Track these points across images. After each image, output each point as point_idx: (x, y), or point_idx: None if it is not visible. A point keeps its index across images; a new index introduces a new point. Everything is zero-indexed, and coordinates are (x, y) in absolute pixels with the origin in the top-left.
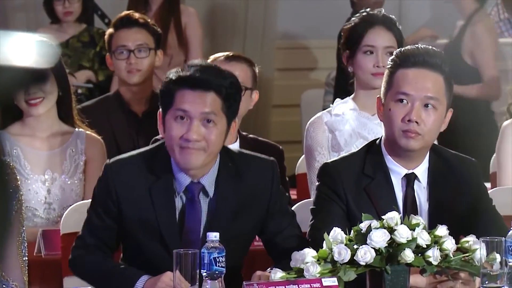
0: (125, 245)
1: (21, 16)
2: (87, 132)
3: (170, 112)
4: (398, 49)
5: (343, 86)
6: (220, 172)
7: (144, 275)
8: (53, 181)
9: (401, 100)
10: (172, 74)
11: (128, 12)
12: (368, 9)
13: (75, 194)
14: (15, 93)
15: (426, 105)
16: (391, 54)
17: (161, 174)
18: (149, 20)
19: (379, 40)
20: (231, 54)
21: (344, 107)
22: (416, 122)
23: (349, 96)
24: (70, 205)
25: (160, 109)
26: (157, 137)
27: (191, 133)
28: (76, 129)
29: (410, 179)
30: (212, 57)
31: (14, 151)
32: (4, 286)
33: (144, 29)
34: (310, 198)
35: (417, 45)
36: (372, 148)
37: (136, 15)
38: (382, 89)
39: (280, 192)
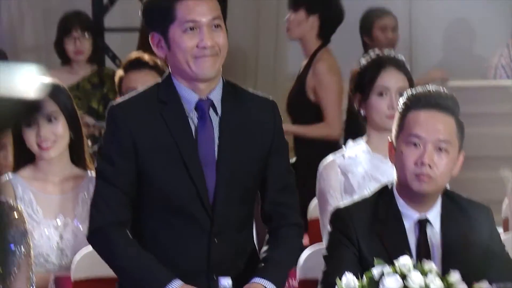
0: (141, 188)
1: (33, 57)
2: None
3: (174, 26)
4: (409, 92)
5: (353, 129)
6: (224, 92)
7: (176, 279)
8: (65, 226)
9: (414, 143)
10: None
11: (138, 54)
12: (377, 51)
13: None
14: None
15: (438, 148)
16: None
17: (168, 99)
18: (158, 62)
19: (392, 81)
20: None
21: (357, 149)
22: (429, 165)
23: (360, 138)
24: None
25: (152, 32)
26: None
27: (206, 40)
28: (89, 172)
29: (422, 223)
30: None
31: (26, 195)
32: None
33: (154, 71)
34: (322, 241)
35: (428, 87)
36: (384, 192)
37: (146, 57)
38: (393, 132)
39: (282, 132)
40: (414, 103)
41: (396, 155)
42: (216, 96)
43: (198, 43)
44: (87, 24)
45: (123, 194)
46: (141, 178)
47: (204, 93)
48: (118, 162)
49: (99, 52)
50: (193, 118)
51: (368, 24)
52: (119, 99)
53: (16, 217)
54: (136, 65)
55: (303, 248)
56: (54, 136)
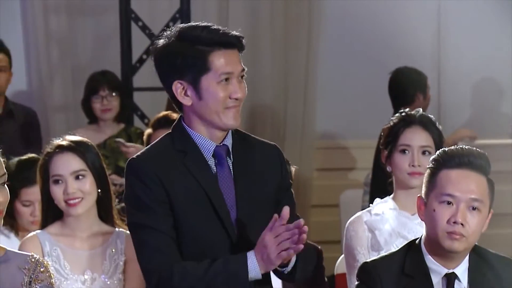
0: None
1: (61, 116)
2: (127, 232)
3: (209, 77)
4: (442, 149)
5: (380, 186)
6: (234, 138)
7: (247, 252)
8: (92, 281)
9: (447, 202)
10: (172, 38)
11: (166, 112)
12: (407, 109)
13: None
14: None
15: (471, 207)
16: (427, 153)
17: (186, 148)
18: None
19: (414, 140)
20: None
21: (383, 206)
22: (462, 224)
23: (387, 195)
24: None
25: (176, 80)
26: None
27: (239, 92)
28: (116, 229)
29: (450, 279)
30: None
31: (54, 251)
32: None
33: None
34: None
35: (461, 146)
36: (412, 247)
37: (174, 115)
38: (424, 188)
39: (288, 177)
40: (447, 162)
41: (427, 212)
42: (229, 142)
43: (231, 94)
44: (114, 83)
45: (170, 238)
46: (174, 224)
47: (219, 140)
48: (156, 209)
49: (127, 111)
50: (211, 164)
51: (424, 82)
52: (139, 154)
53: (42, 271)
54: (164, 123)
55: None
56: (81, 193)
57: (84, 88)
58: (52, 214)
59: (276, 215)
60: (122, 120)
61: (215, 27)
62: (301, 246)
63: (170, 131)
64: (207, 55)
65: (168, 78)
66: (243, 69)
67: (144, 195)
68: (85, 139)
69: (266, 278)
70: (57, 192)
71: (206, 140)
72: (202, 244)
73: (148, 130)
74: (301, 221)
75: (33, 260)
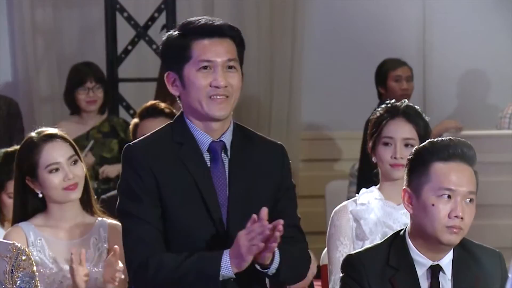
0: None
1: (47, 107)
2: (109, 220)
3: (189, 65)
4: (429, 140)
5: (366, 177)
6: (235, 135)
7: (223, 251)
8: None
9: (446, 196)
10: (175, 31)
11: (153, 102)
12: (392, 101)
13: (100, 283)
14: None
15: (468, 200)
16: (410, 146)
17: (183, 140)
18: (174, 110)
19: (397, 132)
20: None
21: (369, 196)
22: (461, 217)
23: (373, 185)
24: None
25: (168, 71)
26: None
27: (219, 80)
28: (98, 218)
29: (435, 270)
30: None
31: (39, 241)
32: None
33: (169, 118)
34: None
35: (448, 137)
36: (396, 239)
37: (162, 105)
38: (412, 180)
39: (289, 177)
40: (438, 153)
41: (420, 206)
42: (227, 138)
43: (211, 82)
44: (99, 75)
45: (155, 229)
46: (163, 215)
47: (216, 135)
48: (145, 199)
49: (110, 102)
50: (206, 159)
51: (383, 74)
52: (137, 140)
53: (24, 259)
54: (151, 112)
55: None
56: (78, 178)
57: (67, 80)
58: (31, 207)
59: (254, 216)
60: (104, 112)
61: (207, 18)
62: (275, 245)
63: (172, 121)
64: (190, 44)
65: (164, 70)
66: (230, 59)
67: (135, 183)
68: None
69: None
70: (55, 180)
71: (202, 134)
72: (189, 237)
73: (135, 120)
74: (280, 221)
75: (14, 248)
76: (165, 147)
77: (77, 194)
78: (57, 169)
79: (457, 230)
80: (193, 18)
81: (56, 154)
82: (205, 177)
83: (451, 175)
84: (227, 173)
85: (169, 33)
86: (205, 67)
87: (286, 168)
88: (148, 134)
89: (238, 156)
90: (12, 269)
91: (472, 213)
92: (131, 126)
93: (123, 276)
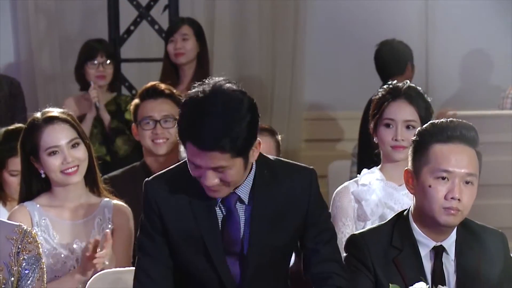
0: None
1: (49, 87)
2: (114, 201)
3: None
4: (430, 122)
5: (365, 158)
6: (256, 181)
7: None
8: (81, 250)
9: (442, 177)
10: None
11: (153, 82)
12: (395, 81)
13: (105, 265)
14: None
15: (466, 182)
16: (411, 127)
17: (200, 187)
18: (174, 91)
19: (398, 114)
20: None
21: (370, 177)
22: (458, 199)
23: (374, 166)
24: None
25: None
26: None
27: (207, 183)
28: (104, 198)
29: (438, 251)
30: None
31: (43, 221)
32: None
33: (169, 99)
34: None
35: (450, 119)
36: (400, 220)
37: (162, 85)
38: (413, 161)
39: (320, 203)
40: (437, 135)
41: (419, 187)
42: (244, 189)
43: (201, 179)
44: (110, 51)
45: (164, 266)
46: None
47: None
48: (155, 236)
49: (118, 81)
50: (221, 208)
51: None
52: (156, 174)
53: (30, 242)
54: (152, 93)
55: None
56: (78, 161)
57: (78, 55)
58: (36, 186)
59: None
60: (114, 90)
61: (201, 128)
62: None
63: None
64: (185, 142)
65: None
66: (217, 167)
67: (147, 220)
68: (66, 110)
69: None
70: (53, 163)
71: None
72: (194, 283)
73: (136, 100)
74: None
75: (20, 230)
76: (181, 190)
77: (76, 178)
78: (56, 152)
79: (454, 211)
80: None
81: (56, 137)
82: (213, 228)
83: (449, 156)
84: (242, 222)
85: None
86: (196, 166)
87: (314, 196)
88: (169, 169)
89: (258, 201)
90: (17, 251)
91: (472, 195)
92: (131, 107)
93: (107, 263)
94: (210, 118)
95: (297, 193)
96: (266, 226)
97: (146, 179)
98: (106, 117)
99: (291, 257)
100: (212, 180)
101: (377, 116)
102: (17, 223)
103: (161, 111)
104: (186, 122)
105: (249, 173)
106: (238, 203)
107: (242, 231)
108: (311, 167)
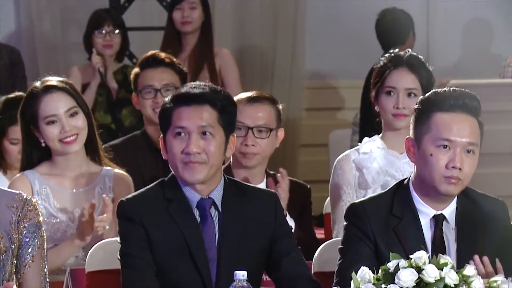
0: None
1: (50, 57)
2: (115, 170)
3: (169, 132)
4: (433, 91)
5: (367, 126)
6: (226, 191)
7: None
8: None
9: (443, 146)
10: (168, 98)
11: (154, 51)
12: (396, 50)
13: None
14: None
15: (467, 151)
16: (413, 95)
17: (173, 197)
18: (174, 60)
19: (400, 82)
20: (253, 95)
21: (372, 145)
22: (459, 168)
23: (376, 134)
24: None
25: (161, 135)
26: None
27: (191, 147)
28: (105, 167)
29: (438, 220)
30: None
31: (44, 189)
32: None
33: (170, 68)
34: (333, 236)
35: (452, 88)
36: (400, 188)
37: (162, 54)
38: (415, 129)
39: (284, 222)
40: (440, 104)
41: (420, 155)
42: (217, 195)
43: (184, 148)
44: (118, 21)
45: (149, 265)
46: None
47: (205, 193)
48: (138, 241)
49: (127, 50)
50: (195, 215)
51: None
52: (129, 196)
53: (30, 209)
54: (152, 62)
55: None
56: (77, 129)
57: (87, 24)
58: (36, 155)
59: None
60: (122, 59)
61: (192, 86)
62: None
63: (164, 178)
64: (171, 112)
65: None
66: (205, 125)
67: (128, 231)
68: (65, 79)
69: None
70: (52, 132)
71: (190, 192)
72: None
73: (136, 69)
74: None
75: (21, 198)
76: (156, 203)
77: (75, 147)
78: (54, 121)
79: (455, 180)
80: (184, 87)
81: (54, 106)
82: (194, 233)
83: (451, 125)
84: (216, 229)
85: (165, 100)
86: (179, 133)
87: (280, 217)
88: (142, 190)
89: (229, 211)
90: (18, 219)
91: (473, 164)
92: (132, 76)
93: (107, 227)
94: (201, 83)
95: (262, 213)
96: (236, 234)
97: (121, 199)
98: (113, 86)
99: (262, 270)
100: (196, 143)
101: (379, 84)
102: (17, 192)
103: (162, 80)
104: (178, 91)
105: (219, 182)
106: (212, 208)
107: (216, 237)
108: (273, 191)
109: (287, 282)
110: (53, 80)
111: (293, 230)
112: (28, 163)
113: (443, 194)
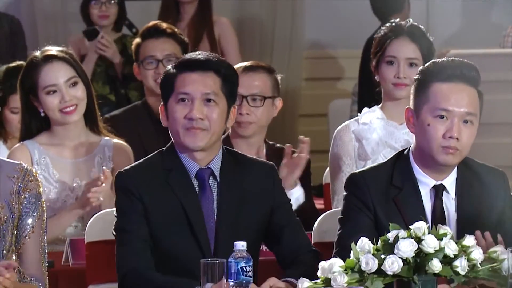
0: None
1: (50, 26)
2: (114, 140)
3: (172, 98)
4: (432, 61)
5: (366, 97)
6: (224, 161)
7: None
8: (81, 189)
9: (441, 116)
10: (171, 65)
11: (155, 22)
12: (397, 19)
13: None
14: None
15: (465, 121)
16: (414, 65)
17: (172, 167)
18: (176, 30)
19: (401, 51)
20: (249, 64)
21: (371, 116)
22: (456, 138)
23: (374, 105)
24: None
25: (162, 102)
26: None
27: (194, 112)
28: (104, 137)
29: (438, 190)
30: None
31: (43, 159)
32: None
33: (171, 39)
34: (333, 207)
35: (451, 58)
36: (400, 159)
37: (164, 25)
38: (414, 100)
39: (283, 193)
40: (438, 74)
41: (418, 125)
42: (216, 165)
43: (187, 114)
44: None
45: (144, 241)
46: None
47: (203, 163)
48: (135, 216)
49: (123, 20)
50: (194, 185)
51: None
52: (127, 167)
53: (31, 180)
54: (154, 32)
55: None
56: (76, 99)
57: None
58: (36, 125)
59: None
60: (120, 29)
61: (196, 53)
62: None
63: (163, 148)
64: (174, 78)
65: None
66: (208, 92)
67: (125, 205)
68: (65, 49)
69: None
70: (52, 102)
71: (189, 162)
72: (176, 261)
73: (137, 40)
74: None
75: (21, 169)
76: (155, 173)
77: (75, 116)
78: (54, 91)
79: (453, 150)
80: (188, 54)
81: (54, 75)
82: (193, 203)
83: (449, 95)
84: (215, 198)
85: (168, 67)
86: (183, 100)
87: (278, 188)
88: (140, 160)
89: (227, 181)
90: (18, 190)
91: (471, 135)
92: (133, 46)
93: (101, 199)
94: (205, 52)
95: (261, 182)
96: (235, 204)
97: (120, 170)
98: (116, 59)
99: (261, 240)
100: (200, 109)
101: (379, 54)
102: (18, 162)
103: (163, 50)
104: (182, 58)
105: (218, 152)
106: (211, 178)
107: (215, 207)
108: (271, 162)
109: (288, 253)
110: (53, 50)
111: (302, 198)
112: (27, 133)
113: (441, 164)
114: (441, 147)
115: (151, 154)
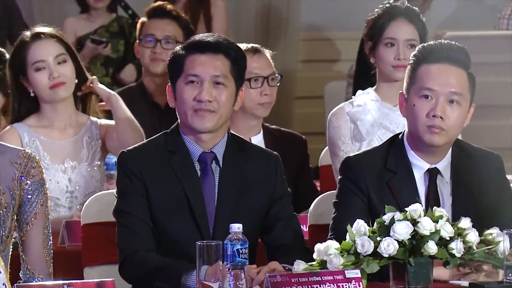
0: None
1: (46, 7)
2: (101, 120)
3: (181, 79)
4: (421, 45)
5: (362, 78)
6: (228, 147)
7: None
8: (73, 169)
9: (426, 96)
10: (179, 46)
11: (162, 2)
12: (391, 1)
13: (96, 181)
14: None
15: (450, 101)
16: (412, 46)
17: (175, 149)
18: (182, 15)
19: (400, 33)
20: (259, 46)
21: (366, 97)
22: (441, 117)
23: (368, 87)
24: (92, 192)
25: (169, 83)
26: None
27: (203, 94)
28: (91, 117)
29: (432, 173)
30: None
31: (33, 142)
32: (30, 279)
33: (175, 21)
34: (335, 188)
35: (440, 40)
36: (394, 142)
37: (170, 6)
38: (405, 84)
39: (284, 185)
40: (425, 56)
41: (407, 107)
42: (219, 150)
43: (196, 96)
44: None
45: (145, 223)
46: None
47: (207, 146)
48: (136, 198)
49: (118, 1)
50: (196, 168)
51: None
52: (130, 147)
53: (34, 167)
54: (159, 12)
55: None
56: (65, 77)
57: None
58: (25, 107)
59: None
60: (114, 10)
61: (205, 35)
62: None
63: (167, 130)
64: (184, 59)
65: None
66: (218, 75)
67: (126, 186)
68: (55, 29)
69: None
70: (40, 78)
71: (193, 145)
72: (176, 244)
73: (143, 19)
74: None
75: (25, 155)
76: (157, 154)
77: (64, 92)
78: (43, 68)
79: (438, 130)
80: (197, 35)
81: (42, 52)
82: (194, 186)
83: (434, 75)
84: (216, 183)
85: (176, 49)
86: (192, 81)
87: (279, 178)
88: (144, 141)
89: (230, 167)
90: (21, 176)
91: (458, 115)
92: (138, 25)
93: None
94: (212, 35)
95: (263, 171)
96: (236, 190)
97: (123, 150)
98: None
99: (259, 229)
100: (209, 91)
101: (377, 36)
102: (22, 148)
103: (164, 31)
104: (191, 39)
105: (223, 136)
106: (214, 163)
107: (216, 191)
108: (276, 153)
109: (277, 247)
110: (42, 29)
111: None
112: (17, 116)
113: (428, 144)
114: (426, 127)
115: (155, 136)
